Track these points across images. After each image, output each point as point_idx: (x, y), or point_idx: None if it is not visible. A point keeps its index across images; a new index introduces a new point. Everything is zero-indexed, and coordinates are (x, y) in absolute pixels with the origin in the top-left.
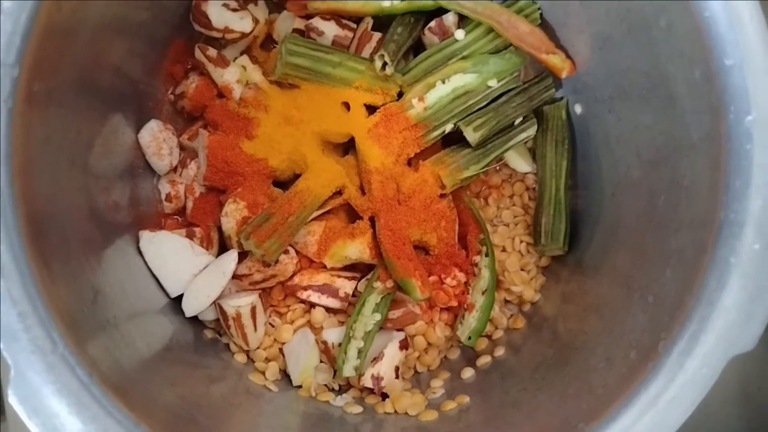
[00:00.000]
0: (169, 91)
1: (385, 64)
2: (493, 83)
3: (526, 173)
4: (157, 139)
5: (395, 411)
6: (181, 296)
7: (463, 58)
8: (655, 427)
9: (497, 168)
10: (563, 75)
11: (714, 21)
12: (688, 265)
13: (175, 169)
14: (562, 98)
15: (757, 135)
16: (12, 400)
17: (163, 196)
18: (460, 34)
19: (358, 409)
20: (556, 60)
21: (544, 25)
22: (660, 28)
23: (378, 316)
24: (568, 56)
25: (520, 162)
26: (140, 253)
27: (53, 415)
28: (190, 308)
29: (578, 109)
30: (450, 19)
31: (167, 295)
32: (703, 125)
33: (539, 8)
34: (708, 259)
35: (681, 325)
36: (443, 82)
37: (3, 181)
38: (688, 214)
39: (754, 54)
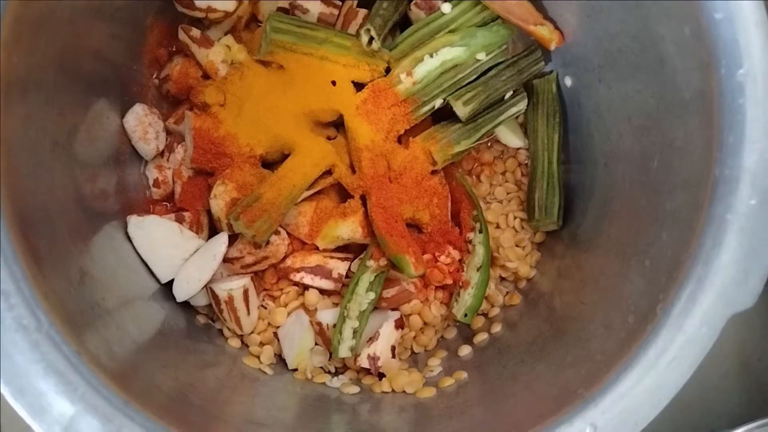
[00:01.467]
0: (154, 75)
1: (371, 38)
2: (481, 56)
3: (517, 149)
4: (142, 124)
5: (393, 390)
6: (171, 282)
7: (451, 31)
8: (655, 390)
9: (488, 144)
10: (552, 46)
11: None
12: (684, 225)
13: (162, 154)
14: (551, 71)
15: (750, 89)
16: None
17: (151, 182)
18: (446, 7)
19: (355, 389)
20: (544, 31)
21: None
22: None
23: (372, 295)
24: (557, 27)
25: (511, 137)
26: (129, 238)
27: (40, 395)
28: (181, 293)
29: (568, 81)
30: None
31: (157, 280)
32: (694, 83)
33: None
34: (704, 218)
35: (678, 285)
36: (431, 56)
37: None
38: (682, 175)
39: (743, 6)
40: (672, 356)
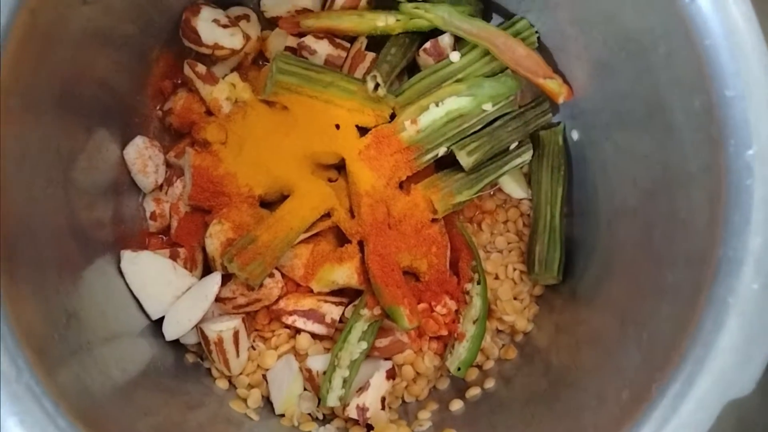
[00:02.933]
0: (157, 107)
1: (377, 85)
2: (488, 107)
3: (521, 199)
4: (142, 156)
5: None
6: (161, 319)
7: (458, 80)
8: None
9: (491, 193)
10: (560, 100)
11: (715, 50)
12: (684, 302)
13: (160, 187)
14: (558, 123)
15: (758, 169)
16: None
17: (148, 215)
18: (455, 56)
19: None
20: (553, 85)
21: (542, 49)
22: (659, 55)
23: (364, 345)
24: (566, 81)
25: (514, 187)
26: (121, 273)
27: None
28: (170, 332)
29: (575, 135)
30: (446, 40)
31: (148, 317)
32: (701, 156)
33: (537, 32)
34: (705, 298)
35: (676, 366)
36: (437, 105)
37: None
38: (684, 249)
39: (756, 85)
40: None
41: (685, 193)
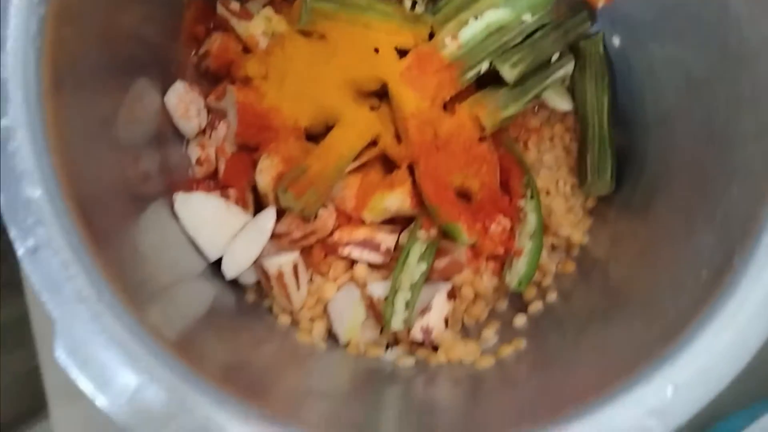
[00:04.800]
0: (193, 53)
1: (414, 3)
2: (527, 17)
3: (565, 113)
4: (183, 101)
5: (449, 361)
6: (219, 260)
7: None
8: (737, 344)
9: (535, 110)
10: (600, 5)
11: None
12: (757, 176)
13: (203, 132)
14: (598, 32)
15: None
16: (59, 354)
17: (194, 161)
18: None
19: (410, 362)
20: None
21: None
22: None
23: (424, 266)
24: None
25: (559, 100)
26: (175, 217)
27: (104, 366)
28: (230, 270)
29: (616, 41)
30: None
31: (205, 259)
32: (762, 29)
33: None
34: None
35: (756, 235)
36: (476, 19)
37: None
38: (753, 126)
39: None
40: (753, 311)
41: (747, 72)
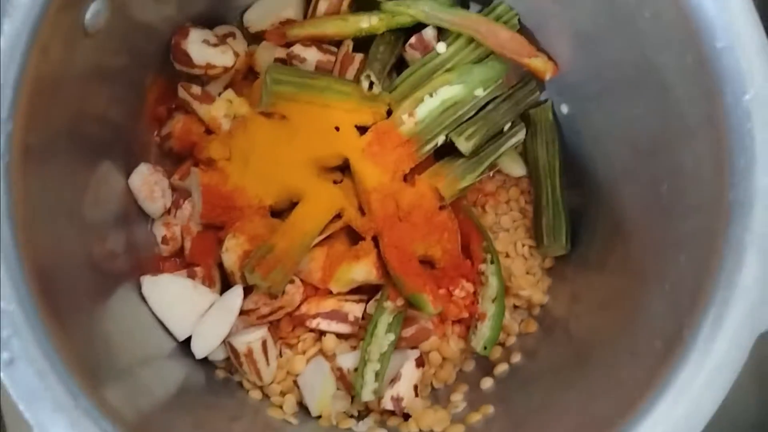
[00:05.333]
0: (155, 133)
1: (371, 83)
2: (479, 92)
3: (519, 177)
4: (148, 183)
5: (420, 430)
6: (189, 339)
7: (448, 70)
8: (690, 415)
9: (491, 175)
10: (547, 77)
11: (701, 6)
12: (702, 248)
13: (169, 211)
14: (546, 100)
15: (756, 113)
16: None
17: (159, 239)
18: (441, 47)
19: None
20: (538, 63)
21: (524, 30)
22: (645, 18)
23: (392, 336)
24: (550, 58)
25: (513, 167)
26: (143, 299)
27: None
28: (200, 350)
29: (564, 109)
30: (429, 33)
31: (174, 338)
32: (700, 110)
33: (517, 13)
34: (722, 241)
35: (703, 308)
36: (431, 96)
37: (6, 238)
38: (695, 199)
39: (744, 34)
40: (704, 380)
41: (688, 147)
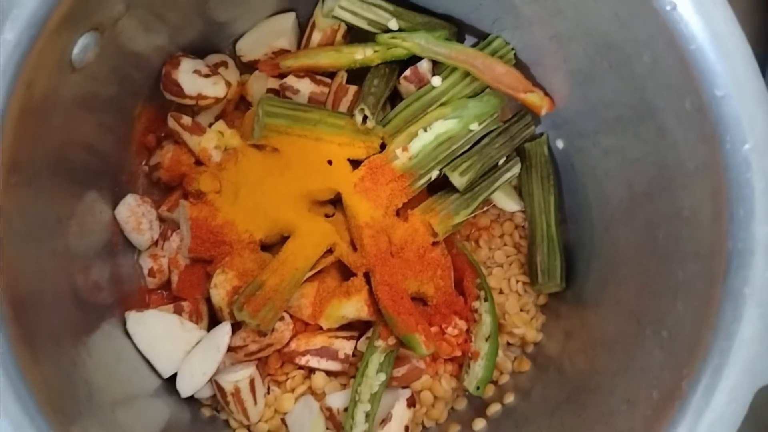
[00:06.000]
0: (143, 163)
1: (365, 117)
2: (474, 126)
3: (514, 212)
4: (135, 214)
5: None
6: (174, 376)
7: (442, 104)
8: None
9: (485, 209)
10: (543, 112)
11: (701, 53)
12: (700, 297)
13: (156, 243)
14: (542, 134)
15: (756, 163)
16: None
17: (146, 272)
18: (436, 80)
19: None
20: (534, 98)
21: (519, 64)
22: (644, 63)
23: (383, 376)
24: (546, 93)
25: (507, 201)
26: (128, 334)
27: None
28: (185, 388)
29: (560, 143)
30: (424, 66)
31: (160, 375)
32: (698, 155)
33: (513, 48)
34: (720, 291)
35: (702, 360)
36: (425, 130)
37: None
38: (692, 245)
39: (744, 83)
40: None
41: (685, 192)
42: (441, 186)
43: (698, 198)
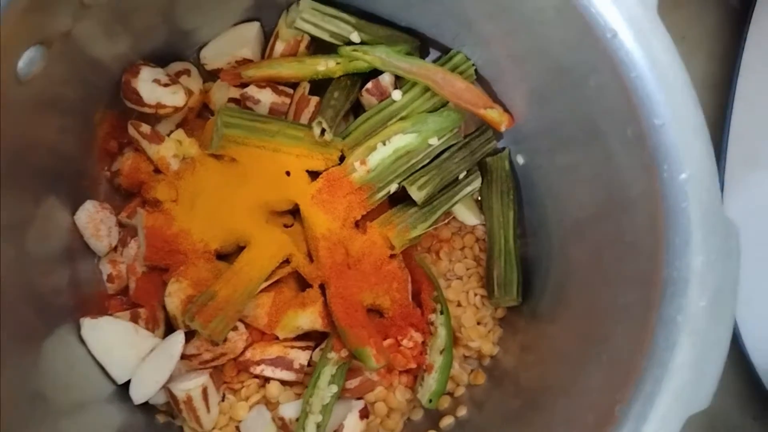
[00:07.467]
0: (105, 168)
1: (323, 130)
2: (433, 141)
3: (475, 225)
4: (94, 220)
5: None
6: (128, 382)
7: (402, 118)
8: None
9: (446, 222)
10: (502, 128)
11: (641, 81)
12: (637, 322)
13: (115, 249)
14: (504, 149)
15: (692, 192)
16: None
17: (105, 277)
18: (397, 94)
19: None
20: (494, 114)
21: (480, 80)
22: (590, 87)
23: (335, 388)
24: (506, 110)
25: (468, 215)
26: (82, 341)
27: None
28: (138, 395)
29: (520, 159)
30: (386, 79)
31: (114, 382)
32: (639, 182)
33: (474, 65)
34: (655, 318)
35: (635, 386)
36: (384, 144)
37: None
38: (632, 271)
39: (682, 113)
40: None
41: (628, 217)
42: (403, 198)
43: (639, 224)
